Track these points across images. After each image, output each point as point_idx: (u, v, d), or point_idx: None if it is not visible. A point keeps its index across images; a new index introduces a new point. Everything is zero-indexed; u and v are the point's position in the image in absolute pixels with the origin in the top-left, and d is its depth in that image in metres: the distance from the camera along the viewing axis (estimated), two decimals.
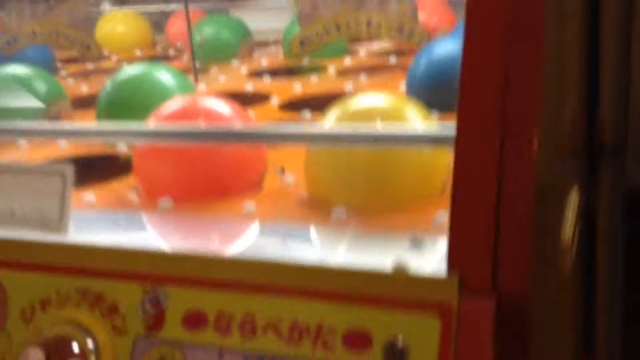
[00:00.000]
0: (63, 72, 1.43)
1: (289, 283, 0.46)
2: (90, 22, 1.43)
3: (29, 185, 0.54)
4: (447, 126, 0.46)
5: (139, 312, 0.49)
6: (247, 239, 0.54)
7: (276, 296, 0.46)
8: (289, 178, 0.66)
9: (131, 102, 0.83)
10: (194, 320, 0.48)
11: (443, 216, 0.53)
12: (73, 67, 1.45)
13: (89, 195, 0.64)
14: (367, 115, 0.56)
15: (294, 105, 0.99)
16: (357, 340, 0.43)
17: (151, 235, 0.56)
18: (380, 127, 0.47)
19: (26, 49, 1.25)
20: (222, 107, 0.65)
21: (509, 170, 0.42)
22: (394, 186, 0.56)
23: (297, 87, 1.10)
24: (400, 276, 0.44)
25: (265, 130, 0.52)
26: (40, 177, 0.54)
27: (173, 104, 0.66)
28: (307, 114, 0.92)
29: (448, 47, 0.83)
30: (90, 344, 0.49)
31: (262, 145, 0.67)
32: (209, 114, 0.63)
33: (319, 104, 1.08)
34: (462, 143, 0.43)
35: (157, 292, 0.49)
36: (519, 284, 0.42)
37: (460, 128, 0.43)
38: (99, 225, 0.57)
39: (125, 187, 0.68)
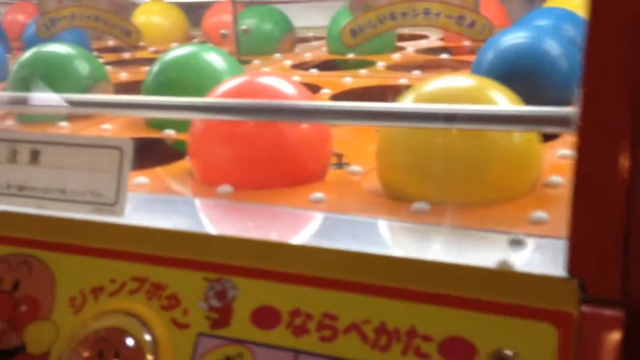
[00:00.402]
0: (100, 60, 1.40)
1: (377, 279, 0.41)
2: (128, 9, 1.39)
3: (83, 160, 0.49)
4: (563, 110, 0.40)
5: (202, 305, 0.44)
6: (322, 230, 0.48)
7: (361, 294, 0.41)
8: (355, 168, 0.60)
9: (180, 83, 0.78)
10: (265, 317, 0.43)
11: (541, 215, 0.47)
12: (109, 56, 1.41)
13: (141, 178, 0.59)
14: (454, 97, 0.50)
15: (347, 97, 0.93)
16: (457, 349, 0.38)
17: (213, 222, 0.51)
18: (479, 106, 0.42)
19: (63, 34, 1.22)
20: (286, 86, 0.60)
21: None
22: (481, 179, 0.50)
23: (348, 79, 1.05)
24: (509, 276, 0.38)
25: (338, 107, 0.46)
26: (96, 151, 0.49)
27: (230, 83, 0.61)
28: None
29: (517, 37, 0.78)
30: (147, 338, 0.44)
31: (328, 134, 0.62)
32: (273, 92, 0.58)
33: (374, 95, 1.03)
34: (588, 129, 0.37)
35: (224, 283, 0.44)
36: None
37: (586, 110, 0.37)
38: (156, 208, 0.52)
39: (178, 173, 0.63)
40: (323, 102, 0.58)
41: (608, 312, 0.36)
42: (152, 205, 0.53)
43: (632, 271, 0.36)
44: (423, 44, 1.36)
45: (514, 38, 0.79)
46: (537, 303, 0.38)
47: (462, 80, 0.57)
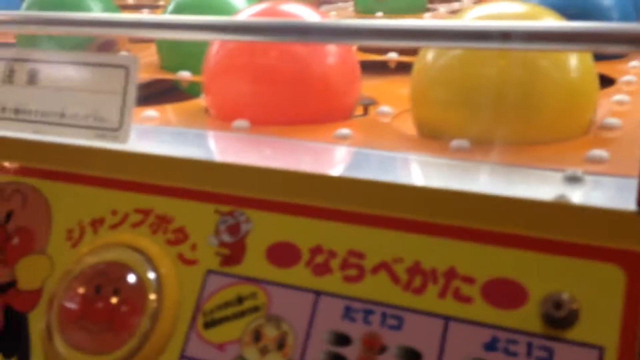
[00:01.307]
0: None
1: (410, 213, 0.36)
2: None
3: (84, 80, 0.45)
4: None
5: (212, 240, 0.39)
6: (347, 163, 0.43)
7: (392, 230, 0.36)
8: (385, 109, 0.55)
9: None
10: (283, 254, 0.37)
11: (600, 153, 0.42)
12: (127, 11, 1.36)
13: (151, 112, 0.54)
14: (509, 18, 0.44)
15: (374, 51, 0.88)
16: (505, 292, 0.33)
17: (225, 152, 0.46)
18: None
19: None
20: (310, 13, 0.54)
21: None
22: (531, 116, 0.45)
23: None
24: (566, 210, 0.33)
25: (371, 26, 0.40)
26: (99, 70, 0.44)
27: (251, 10, 0.55)
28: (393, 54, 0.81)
29: None
30: (150, 275, 0.39)
31: (356, 73, 0.56)
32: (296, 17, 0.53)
33: (403, 50, 0.97)
34: None
35: (237, 217, 0.39)
36: None
37: None
38: (164, 139, 0.47)
39: (192, 110, 0.59)
40: (355, 20, 0.52)
41: None
42: (160, 136, 0.48)
43: None
44: (456, 6, 1.30)
45: None
46: (601, 241, 0.32)
47: (517, 6, 0.51)
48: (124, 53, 0.81)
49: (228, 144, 0.48)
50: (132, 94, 0.43)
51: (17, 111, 0.46)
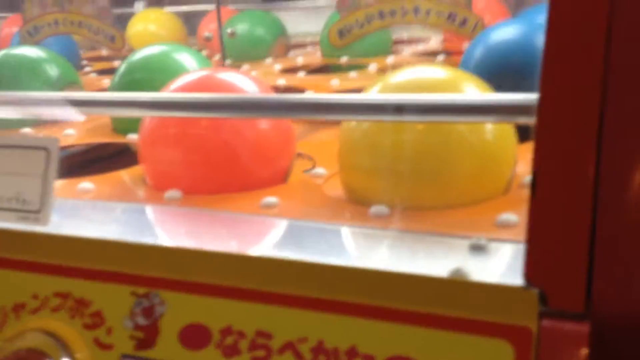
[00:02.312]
0: (87, 69, 1.36)
1: (314, 292, 0.36)
2: (112, 15, 1.36)
3: (7, 162, 0.45)
4: (523, 96, 0.35)
5: (127, 322, 0.39)
6: (266, 236, 0.44)
7: (298, 308, 0.36)
8: (319, 171, 0.56)
9: (147, 84, 0.74)
10: (194, 336, 0.38)
11: (509, 217, 0.42)
12: (98, 65, 1.38)
13: (86, 184, 0.55)
14: (421, 87, 0.46)
15: None
16: None
17: (151, 230, 0.46)
18: (442, 96, 0.37)
19: (49, 42, 1.19)
20: (246, 82, 0.55)
21: (609, 155, 0.31)
22: (447, 179, 0.45)
23: (335, 82, 1.01)
24: (461, 286, 0.34)
25: (296, 100, 0.41)
26: (20, 152, 0.45)
27: (189, 77, 0.57)
28: None
29: (508, 32, 0.73)
30: None
31: (290, 136, 0.57)
32: (230, 88, 0.54)
33: None
34: (547, 114, 0.32)
35: (151, 298, 0.40)
36: (621, 306, 0.32)
37: (545, 96, 0.32)
38: (90, 216, 0.48)
39: (130, 178, 0.59)
40: (269, 95, 0.53)
41: (571, 326, 0.31)
42: (89, 214, 0.49)
43: (598, 280, 0.31)
44: (421, 48, 1.32)
45: (503, 33, 0.74)
46: (492, 317, 0.33)
47: (433, 71, 0.52)
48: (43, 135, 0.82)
49: (156, 218, 0.49)
50: (53, 175, 0.44)
51: None
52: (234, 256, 0.40)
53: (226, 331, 0.37)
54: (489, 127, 0.47)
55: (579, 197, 0.31)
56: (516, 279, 0.33)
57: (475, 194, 0.46)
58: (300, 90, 0.98)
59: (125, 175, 0.59)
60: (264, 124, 0.55)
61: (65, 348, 0.39)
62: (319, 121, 0.71)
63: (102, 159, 0.71)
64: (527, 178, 0.50)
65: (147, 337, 0.39)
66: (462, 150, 0.45)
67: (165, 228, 0.47)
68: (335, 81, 1.01)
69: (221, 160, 0.53)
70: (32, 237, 0.44)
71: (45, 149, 0.44)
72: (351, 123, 0.51)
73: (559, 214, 0.32)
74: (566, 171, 0.32)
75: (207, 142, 0.54)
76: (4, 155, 0.45)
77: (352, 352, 0.34)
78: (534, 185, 0.32)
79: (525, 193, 0.49)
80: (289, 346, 0.36)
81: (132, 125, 0.75)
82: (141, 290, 0.40)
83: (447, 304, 0.34)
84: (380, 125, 0.47)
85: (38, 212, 0.44)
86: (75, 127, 0.78)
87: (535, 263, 0.32)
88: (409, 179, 0.45)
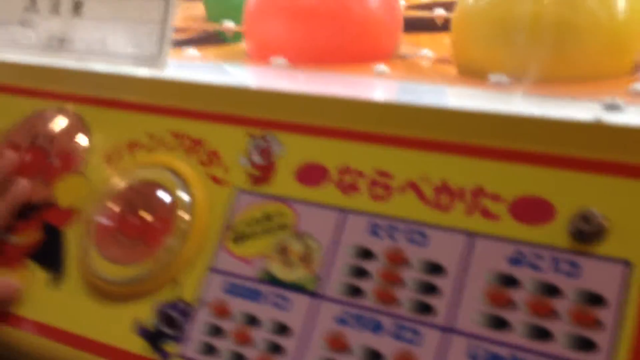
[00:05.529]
0: None
1: (439, 134, 0.35)
2: None
3: (126, 10, 0.45)
4: None
5: (243, 161, 0.40)
6: (382, 90, 0.43)
7: (420, 150, 0.36)
8: (427, 52, 0.54)
9: None
10: (312, 174, 0.38)
11: None
12: None
13: (192, 50, 0.55)
14: None
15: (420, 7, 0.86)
16: (532, 209, 0.32)
17: (263, 82, 0.46)
18: None
19: None
20: None
21: None
22: (572, 52, 0.43)
23: None
24: (600, 130, 0.32)
25: None
26: (140, 1, 0.45)
27: None
28: None
29: None
30: (183, 194, 0.40)
31: (398, 15, 0.56)
32: None
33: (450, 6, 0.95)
34: None
35: (268, 139, 0.39)
36: None
37: None
38: (203, 69, 0.48)
39: (234, 52, 0.59)
40: None
41: None
42: (198, 69, 0.49)
43: None
44: None
45: None
46: (632, 159, 0.31)
47: None
48: None
49: (264, 76, 0.48)
50: (171, 22, 0.44)
51: (61, 40, 0.48)
52: (350, 100, 0.39)
53: (344, 170, 0.37)
54: (619, 3, 0.45)
55: None
56: None
57: (602, 69, 0.44)
58: None
59: (229, 49, 0.59)
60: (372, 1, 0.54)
61: (183, 182, 0.40)
62: None
63: (195, 42, 0.71)
64: None
65: (264, 174, 0.39)
66: (590, 23, 0.43)
67: (278, 81, 0.46)
68: None
69: (328, 30, 0.52)
70: (149, 81, 0.44)
71: None
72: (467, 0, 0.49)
73: None
74: None
75: (314, 12, 0.53)
76: (123, 4, 0.46)
77: (478, 191, 0.34)
78: None
79: None
80: (410, 185, 0.35)
81: (226, 12, 0.75)
82: (257, 131, 0.40)
83: (588, 147, 0.32)
84: None
85: (156, 57, 0.44)
86: None
87: None
88: (533, 50, 0.43)
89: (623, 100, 0.36)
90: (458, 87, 0.43)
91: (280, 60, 0.52)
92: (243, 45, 0.60)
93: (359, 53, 0.53)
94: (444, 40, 0.53)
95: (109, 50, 0.46)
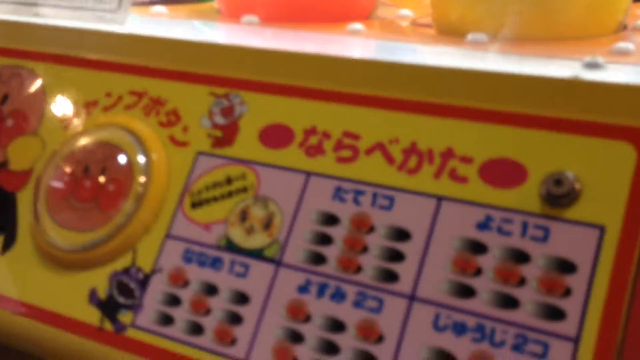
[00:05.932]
0: None
1: (407, 93, 0.33)
2: None
3: None
4: None
5: (205, 122, 0.37)
6: (355, 48, 0.41)
7: (389, 110, 0.34)
8: (405, 12, 0.52)
9: None
10: (276, 136, 0.36)
11: (627, 45, 0.38)
12: None
13: (160, 7, 0.53)
14: None
15: None
16: (503, 172, 0.30)
17: (230, 39, 0.44)
18: None
19: None
20: None
21: None
22: (556, 15, 0.41)
23: None
24: (575, 86, 0.30)
25: None
26: None
27: None
28: None
29: None
30: (140, 155, 0.37)
31: None
32: None
33: None
34: None
35: (231, 98, 0.37)
36: None
37: None
38: (167, 26, 0.46)
39: (204, 9, 0.57)
40: None
41: None
42: (163, 26, 0.46)
43: None
44: None
45: None
46: (611, 118, 0.29)
47: None
48: None
49: (232, 33, 0.46)
50: None
51: None
52: (318, 57, 0.37)
53: (310, 131, 0.35)
54: None
55: None
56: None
57: (586, 29, 0.42)
58: None
59: (199, 7, 0.57)
60: None
61: (140, 143, 0.38)
62: None
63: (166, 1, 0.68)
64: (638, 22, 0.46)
65: (226, 135, 0.37)
66: None
67: (245, 39, 0.44)
68: None
69: None
70: (108, 36, 0.42)
71: None
72: None
73: None
74: None
75: None
76: None
77: (448, 153, 0.32)
78: None
79: (638, 34, 0.45)
80: (378, 146, 0.33)
81: None
82: (220, 90, 0.38)
83: (561, 106, 0.30)
84: None
85: (115, 11, 0.42)
86: None
87: None
88: (512, 8, 0.41)
89: (604, 59, 0.34)
90: (434, 46, 0.41)
91: (251, 18, 0.50)
92: (215, 4, 0.57)
93: (334, 12, 0.51)
94: None
95: (67, 4, 0.43)
